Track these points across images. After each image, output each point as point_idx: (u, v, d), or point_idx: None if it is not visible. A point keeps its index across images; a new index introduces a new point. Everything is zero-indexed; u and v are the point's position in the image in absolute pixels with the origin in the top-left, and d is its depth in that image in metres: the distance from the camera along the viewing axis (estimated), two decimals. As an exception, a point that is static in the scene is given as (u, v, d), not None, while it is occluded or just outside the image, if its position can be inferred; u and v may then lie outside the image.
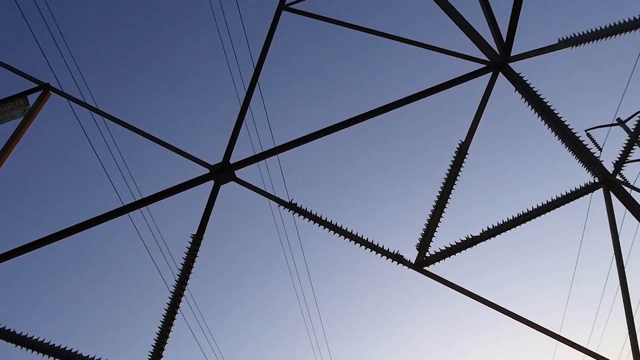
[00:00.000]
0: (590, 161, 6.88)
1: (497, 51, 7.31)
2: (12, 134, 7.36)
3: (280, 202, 6.37)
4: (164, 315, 6.51)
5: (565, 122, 6.84)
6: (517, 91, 7.10)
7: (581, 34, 6.67)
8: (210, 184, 6.67)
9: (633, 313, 10.31)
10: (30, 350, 6.97)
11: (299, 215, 6.30)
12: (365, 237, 6.16)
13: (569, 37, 6.75)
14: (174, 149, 7.06)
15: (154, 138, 7.21)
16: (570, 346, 10.53)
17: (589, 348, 10.61)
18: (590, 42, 6.67)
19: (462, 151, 6.55)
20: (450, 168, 6.51)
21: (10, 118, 7.73)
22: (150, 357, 7.78)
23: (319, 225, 6.22)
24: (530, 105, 7.02)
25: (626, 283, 10.08)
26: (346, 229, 6.17)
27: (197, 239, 6.26)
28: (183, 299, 6.55)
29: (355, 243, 6.14)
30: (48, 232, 7.39)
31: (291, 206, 6.28)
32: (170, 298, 6.30)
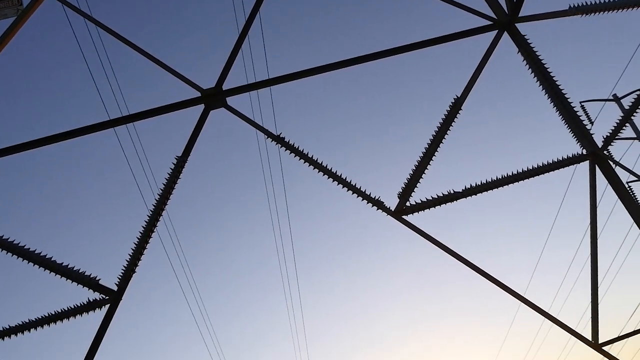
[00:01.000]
0: (581, 132, 6.90)
1: (506, 10, 7.20)
2: (3, 33, 7.19)
3: (269, 134, 6.34)
4: (140, 232, 6.56)
5: (562, 91, 6.82)
6: (519, 53, 7.04)
7: (594, 2, 6.57)
8: (200, 108, 6.61)
9: (598, 284, 10.57)
10: (6, 252, 7.02)
11: (286, 150, 6.28)
12: (348, 180, 6.18)
13: (580, 4, 6.65)
14: (168, 68, 6.96)
15: (149, 55, 7.08)
16: (532, 308, 10.81)
17: (550, 313, 10.91)
18: (601, 12, 6.58)
19: (456, 106, 6.52)
20: (442, 121, 6.49)
21: (2, 17, 7.53)
22: (123, 272, 7.90)
23: (304, 162, 6.22)
24: (530, 69, 6.97)
25: (597, 256, 10.29)
26: (331, 169, 6.18)
27: (181, 161, 6.24)
28: (160, 219, 6.59)
29: (338, 184, 6.17)
30: (33, 137, 7.34)
31: (278, 139, 6.26)
32: (148, 216, 6.34)
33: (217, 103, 6.54)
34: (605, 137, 7.02)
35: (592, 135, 6.86)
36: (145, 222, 6.29)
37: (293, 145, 6.27)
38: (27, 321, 8.82)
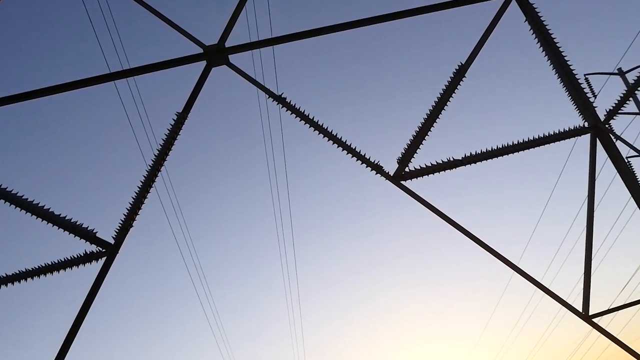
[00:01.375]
0: (584, 105, 6.86)
1: (515, -23, 7.08)
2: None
3: (270, 93, 6.30)
4: (139, 187, 6.57)
5: (567, 62, 6.76)
6: (526, 22, 6.95)
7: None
8: (202, 64, 6.54)
9: (592, 257, 10.66)
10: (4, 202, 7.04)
11: (287, 110, 6.25)
12: (348, 143, 6.16)
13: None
14: (171, 23, 6.87)
15: (152, 9, 6.98)
16: (525, 278, 10.91)
17: (542, 283, 11.03)
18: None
19: (460, 72, 6.46)
20: (445, 87, 6.45)
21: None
22: (120, 226, 7.92)
23: (305, 124, 6.19)
24: (537, 39, 6.89)
25: (592, 229, 10.35)
26: (331, 131, 6.16)
27: (181, 117, 6.21)
28: (159, 175, 6.59)
29: (338, 147, 6.15)
30: (33, 88, 7.27)
31: (280, 99, 6.22)
32: (147, 172, 6.33)
33: (219, 60, 6.48)
34: (608, 110, 6.98)
35: (595, 109, 6.83)
36: (144, 177, 6.29)
37: (294, 105, 6.24)
38: (24, 270, 8.90)
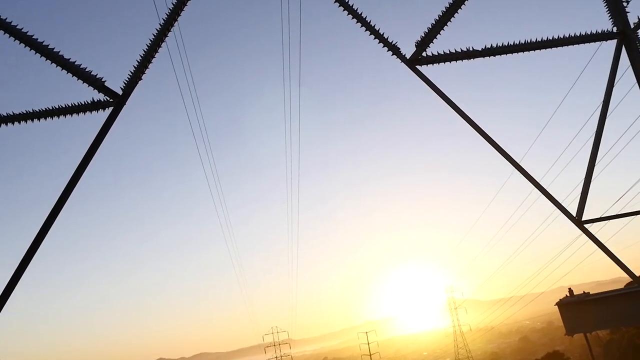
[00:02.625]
0: (615, 9, 6.59)
1: None
2: None
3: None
4: (151, 40, 6.46)
5: (609, -41, 6.41)
6: None
7: None
8: None
9: (595, 164, 10.71)
10: (21, 44, 6.94)
11: (309, -22, 5.99)
12: (368, 20, 5.99)
13: None
14: None
15: None
16: (525, 176, 11.03)
17: (540, 183, 11.16)
18: None
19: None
20: (475, -27, 6.15)
21: None
22: (129, 77, 7.89)
23: (326, -6, 5.97)
24: None
25: (601, 135, 10.31)
26: (352, 5, 5.96)
27: (199, -28, 5.98)
28: (171, 31, 6.44)
29: (357, 22, 5.98)
30: None
31: (303, -34, 5.94)
32: (160, 25, 6.20)
33: None
34: (639, 18, 6.73)
35: (627, 14, 6.57)
36: (157, 30, 6.17)
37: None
38: (31, 111, 8.96)
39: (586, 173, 10.93)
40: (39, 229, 9.76)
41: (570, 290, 9.46)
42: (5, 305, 9.23)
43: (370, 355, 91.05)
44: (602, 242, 10.84)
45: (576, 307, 8.59)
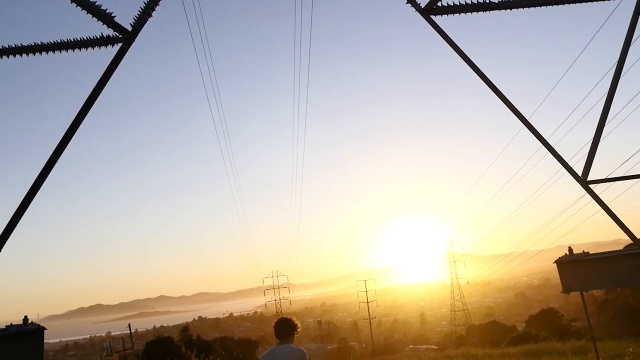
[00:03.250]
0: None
1: None
2: None
3: None
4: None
5: None
6: None
7: None
8: None
9: (605, 123, 10.62)
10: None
11: None
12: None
13: None
14: None
15: None
16: (532, 132, 10.94)
17: (548, 141, 11.10)
18: None
19: None
20: None
21: None
22: (139, 14, 7.75)
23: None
24: None
25: (613, 94, 10.17)
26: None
27: None
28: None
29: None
30: None
31: None
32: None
33: None
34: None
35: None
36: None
37: None
38: (39, 43, 8.86)
39: (595, 132, 10.85)
40: (45, 162, 9.80)
41: (570, 249, 9.56)
42: (9, 238, 9.36)
43: (368, 302, 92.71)
44: (606, 203, 10.86)
45: (574, 266, 8.68)
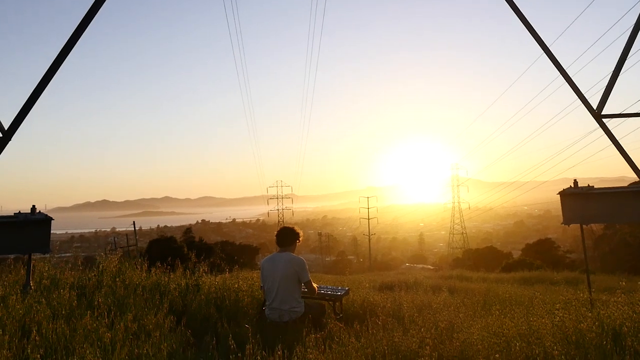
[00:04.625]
0: None
1: None
2: None
3: None
4: None
5: None
6: None
7: None
8: None
9: (627, 57, 10.37)
10: None
11: None
12: None
13: None
14: None
15: None
16: (552, 60, 10.70)
17: (566, 70, 10.88)
18: None
19: None
20: None
21: None
22: None
23: None
24: None
25: (637, 32, 9.87)
26: None
27: None
28: None
29: None
30: None
31: None
32: None
33: None
34: None
35: None
36: None
37: None
38: None
39: (615, 66, 10.61)
40: (58, 53, 9.69)
41: (575, 182, 9.63)
42: (20, 127, 9.39)
43: (369, 219, 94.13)
44: (617, 139, 10.77)
45: (577, 198, 8.75)
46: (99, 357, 4.98)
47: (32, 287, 8.04)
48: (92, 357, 4.93)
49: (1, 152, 9.24)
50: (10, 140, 9.29)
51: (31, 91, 9.38)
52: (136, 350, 5.36)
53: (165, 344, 5.71)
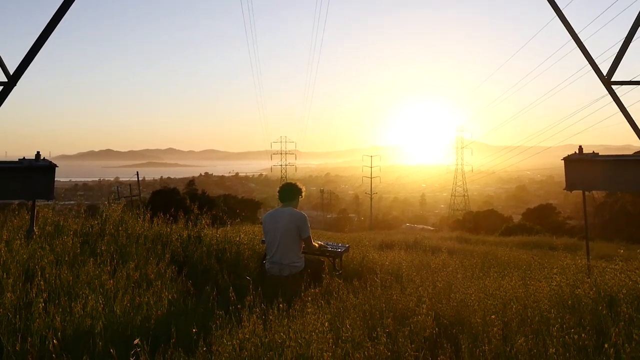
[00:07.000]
0: None
1: None
2: None
3: None
4: None
5: None
6: None
7: None
8: None
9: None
10: None
11: None
12: None
13: None
14: None
15: None
16: (563, 23, 10.52)
17: (577, 34, 10.73)
18: None
19: None
20: None
21: None
22: None
23: None
24: None
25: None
26: None
27: None
28: None
29: None
30: None
31: None
32: None
33: None
34: None
35: None
36: None
37: None
38: None
39: (628, 33, 10.45)
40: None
41: (580, 148, 9.62)
42: (25, 72, 9.34)
43: (371, 178, 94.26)
44: (625, 107, 10.69)
45: (581, 165, 8.73)
46: (101, 304, 5.06)
47: (36, 233, 8.12)
48: (95, 303, 5.01)
49: (6, 97, 9.21)
50: (15, 85, 9.25)
51: (37, 36, 9.28)
52: (138, 298, 5.44)
53: (166, 293, 5.80)
